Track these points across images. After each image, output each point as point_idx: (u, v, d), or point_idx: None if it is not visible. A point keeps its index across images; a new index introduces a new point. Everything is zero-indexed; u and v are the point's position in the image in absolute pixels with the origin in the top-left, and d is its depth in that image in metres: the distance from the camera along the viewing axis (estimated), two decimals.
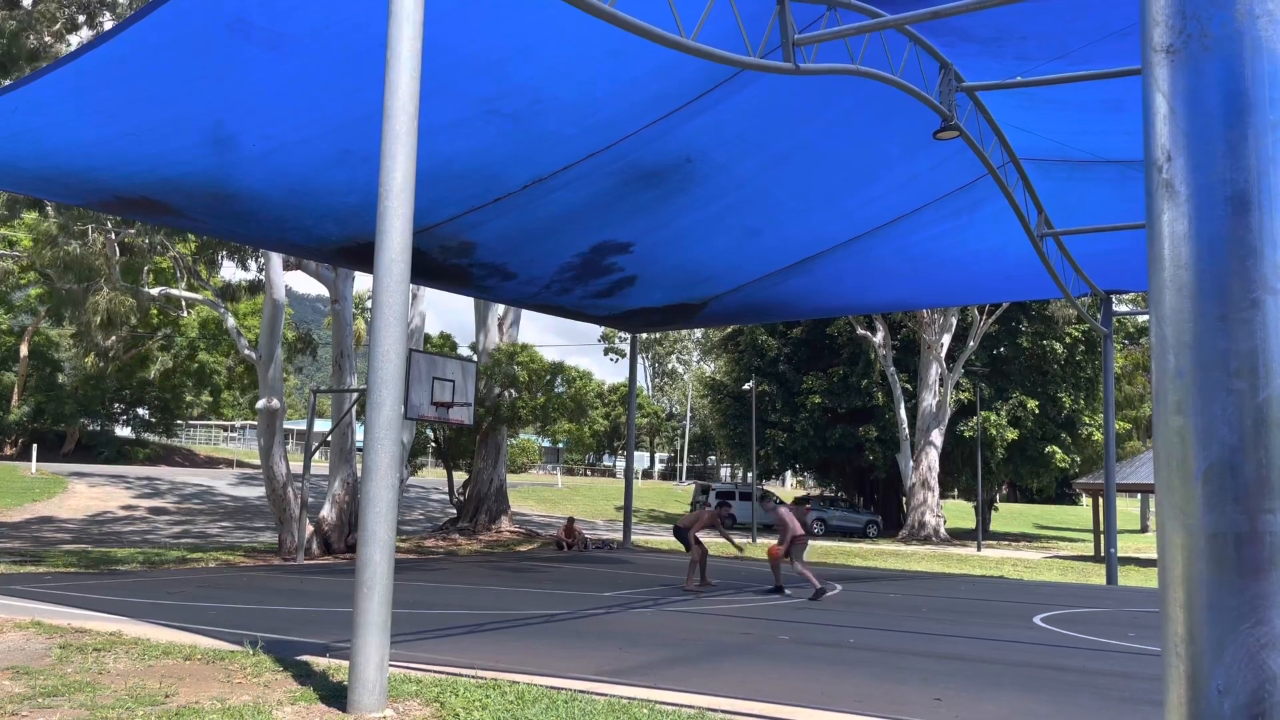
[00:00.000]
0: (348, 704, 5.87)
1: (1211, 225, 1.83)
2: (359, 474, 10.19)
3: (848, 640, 9.52)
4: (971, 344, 34.68)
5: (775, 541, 14.03)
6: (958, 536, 35.30)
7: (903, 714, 6.20)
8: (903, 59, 11.43)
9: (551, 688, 6.45)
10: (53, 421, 43.52)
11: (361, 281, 27.29)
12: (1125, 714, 6.52)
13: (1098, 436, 35.11)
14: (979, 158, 13.70)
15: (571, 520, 23.90)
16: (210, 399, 51.79)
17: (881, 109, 12.69)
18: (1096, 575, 20.49)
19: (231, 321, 20.44)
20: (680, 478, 73.74)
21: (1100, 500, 25.21)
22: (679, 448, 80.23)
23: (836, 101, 12.61)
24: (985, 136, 13.89)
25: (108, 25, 18.09)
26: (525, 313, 26.92)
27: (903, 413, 35.51)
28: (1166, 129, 1.91)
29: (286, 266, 19.38)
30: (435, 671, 6.92)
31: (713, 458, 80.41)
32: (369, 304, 13.81)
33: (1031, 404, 35.26)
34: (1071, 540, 38.63)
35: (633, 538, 23.74)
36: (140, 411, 49.70)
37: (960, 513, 47.90)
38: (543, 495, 42.49)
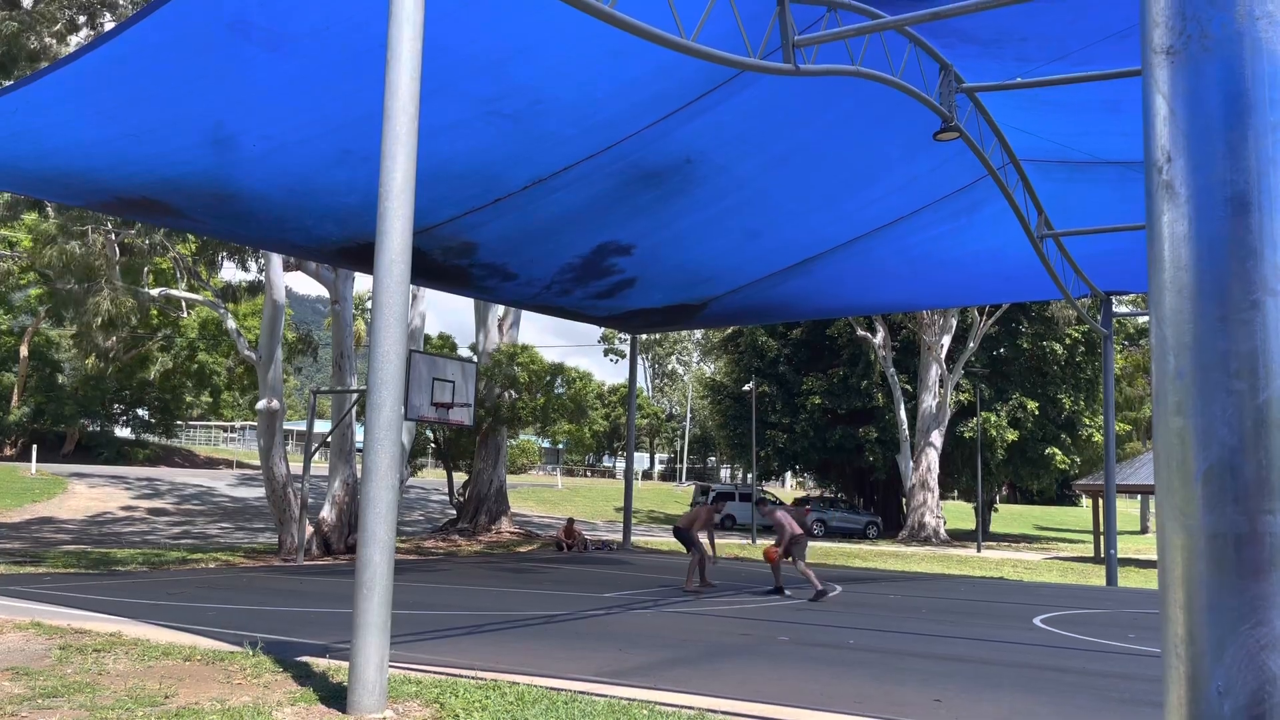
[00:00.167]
0: (347, 705, 5.87)
1: (1211, 226, 1.83)
2: (359, 475, 10.19)
3: (847, 641, 9.52)
4: (971, 345, 34.68)
5: (773, 543, 14.06)
6: (958, 538, 35.29)
7: (902, 715, 6.20)
8: (903, 60, 11.44)
9: (551, 689, 6.45)
10: (52, 422, 43.51)
11: (361, 282, 27.31)
12: (1125, 715, 6.52)
13: (1098, 438, 35.11)
14: (979, 159, 13.70)
15: (571, 521, 23.90)
16: (210, 400, 51.77)
17: (881, 110, 12.69)
18: (1096, 576, 20.48)
19: (231, 322, 20.45)
20: (680, 479, 73.72)
21: (1100, 501, 25.21)
22: (679, 449, 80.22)
23: (837, 103, 12.61)
24: (985, 138, 13.89)
25: (108, 26, 18.10)
26: (525, 313, 26.92)
27: (903, 414, 35.51)
28: (1166, 130, 1.91)
29: (286, 267, 19.38)
30: (435, 672, 6.92)
31: (713, 459, 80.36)
32: (369, 305, 13.81)
33: (1031, 405, 35.27)
34: (1071, 541, 38.62)
35: (632, 538, 23.74)
36: (140, 412, 49.69)
37: (960, 514, 47.89)
38: (543, 496, 42.48)
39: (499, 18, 9.55)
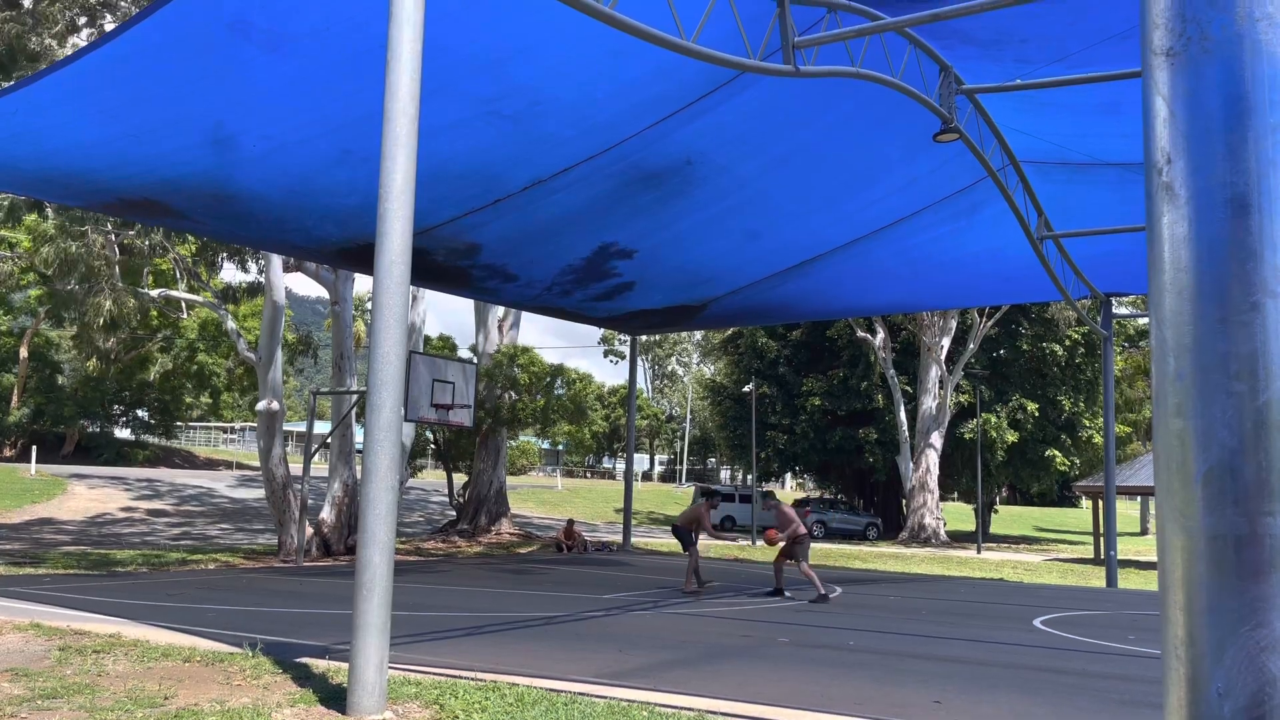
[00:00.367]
0: (347, 706, 5.86)
1: (1211, 228, 1.83)
2: (359, 476, 10.19)
3: (847, 643, 9.52)
4: (971, 346, 34.68)
5: (774, 527, 13.91)
6: (958, 539, 35.29)
7: (902, 716, 6.20)
8: (903, 62, 11.44)
9: (551, 690, 6.45)
10: (52, 423, 43.51)
11: (361, 283, 27.32)
12: (1125, 717, 6.52)
13: (1098, 439, 35.10)
14: (979, 160, 13.70)
15: (571, 522, 23.90)
16: (210, 401, 51.76)
17: (881, 112, 12.69)
18: (1096, 578, 20.48)
19: (231, 323, 20.44)
20: (680, 480, 73.73)
21: (1100, 503, 25.21)
22: (679, 450, 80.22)
23: (836, 104, 12.61)
24: (985, 139, 13.90)
25: (109, 28, 18.10)
26: (524, 314, 26.92)
27: (902, 415, 35.51)
28: (1166, 132, 1.91)
29: (286, 268, 19.38)
30: (435, 673, 6.92)
31: (712, 460, 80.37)
32: (369, 306, 13.81)
33: (1031, 406, 35.26)
34: (1071, 543, 38.61)
35: (632, 540, 23.74)
36: (140, 413, 49.69)
37: (960, 515, 47.89)
38: (542, 497, 42.48)
39: (499, 18, 9.55)
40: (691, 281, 18.96)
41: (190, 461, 49.06)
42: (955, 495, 50.37)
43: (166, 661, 7.12)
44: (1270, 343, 1.78)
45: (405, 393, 14.76)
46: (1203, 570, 1.80)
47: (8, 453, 42.03)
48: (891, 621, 11.55)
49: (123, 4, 18.28)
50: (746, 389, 35.09)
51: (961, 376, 35.55)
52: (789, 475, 56.07)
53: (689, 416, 77.23)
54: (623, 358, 69.99)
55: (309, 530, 18.55)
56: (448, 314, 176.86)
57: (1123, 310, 34.56)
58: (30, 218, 20.33)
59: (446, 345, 30.39)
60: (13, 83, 11.54)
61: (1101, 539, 24.21)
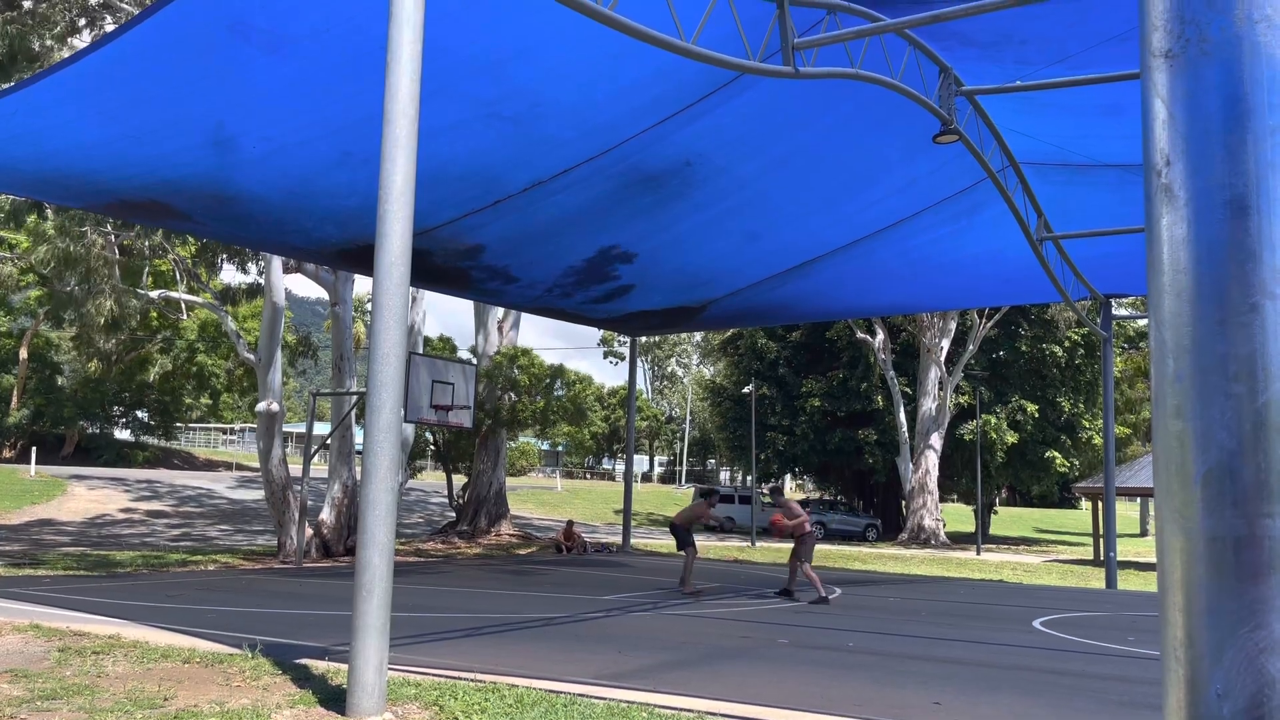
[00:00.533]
0: (346, 707, 5.86)
1: (1210, 230, 1.83)
2: (358, 477, 10.18)
3: (847, 644, 9.52)
4: (971, 348, 34.68)
5: (779, 513, 14.01)
6: (957, 540, 35.28)
7: (902, 718, 6.20)
8: (902, 63, 11.44)
9: (550, 691, 6.45)
10: (52, 424, 43.49)
11: (361, 284, 27.29)
12: (1124, 718, 6.52)
13: (1097, 440, 35.10)
14: (978, 162, 13.71)
15: (571, 523, 23.89)
16: (210, 402, 51.74)
17: (881, 113, 12.70)
18: (1096, 579, 20.48)
19: (231, 324, 20.44)
20: (680, 481, 73.70)
21: (1099, 504, 25.21)
22: (678, 451, 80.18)
23: (836, 105, 12.62)
24: (985, 140, 13.90)
25: (109, 29, 18.10)
26: (524, 315, 26.91)
27: (902, 416, 35.51)
28: (1165, 134, 1.91)
29: (286, 269, 19.38)
30: (434, 674, 6.92)
31: (712, 461, 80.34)
32: (369, 307, 13.81)
33: (1031, 408, 35.26)
34: (1071, 544, 38.61)
35: (632, 541, 23.73)
36: (139, 414, 49.66)
37: (960, 516, 47.88)
38: (542, 498, 42.48)
39: (499, 19, 9.56)
40: (691, 283, 18.97)
41: (190, 463, 49.04)
42: (955, 496, 50.41)
43: (166, 663, 7.12)
44: (1269, 344, 1.78)
45: (405, 394, 14.77)
46: (1202, 572, 1.80)
47: (7, 454, 42.01)
48: (891, 623, 11.55)
49: (124, 5, 18.27)
50: (746, 390, 35.09)
51: (961, 378, 35.55)
52: (789, 476, 56.07)
53: (689, 418, 77.21)
54: (622, 359, 69.96)
55: (308, 531, 18.54)
56: (447, 315, 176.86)
57: (1122, 312, 34.51)
58: (30, 219, 20.32)
59: (446, 346, 30.38)
60: (13, 84, 11.54)
61: (1101, 540, 24.20)
